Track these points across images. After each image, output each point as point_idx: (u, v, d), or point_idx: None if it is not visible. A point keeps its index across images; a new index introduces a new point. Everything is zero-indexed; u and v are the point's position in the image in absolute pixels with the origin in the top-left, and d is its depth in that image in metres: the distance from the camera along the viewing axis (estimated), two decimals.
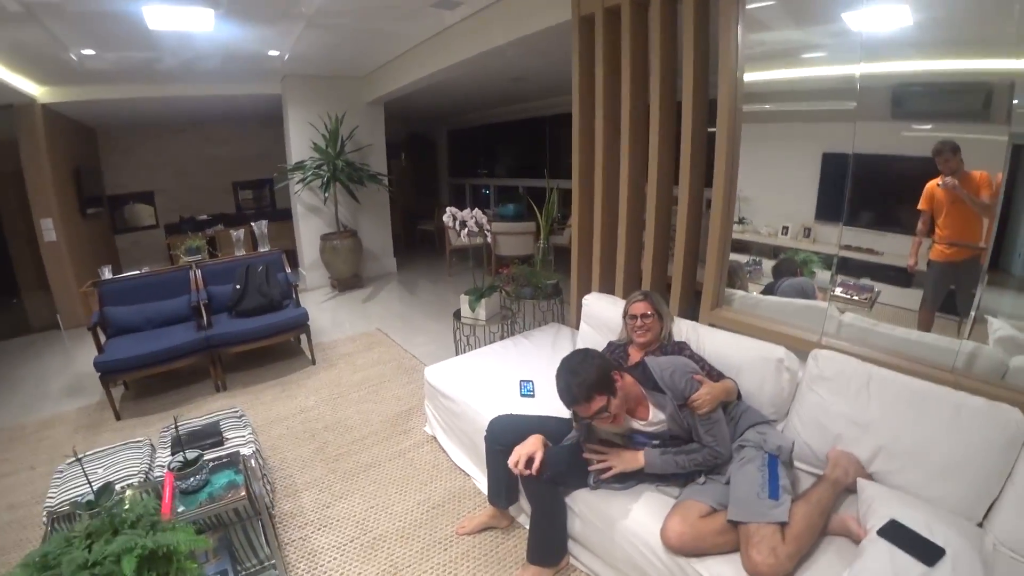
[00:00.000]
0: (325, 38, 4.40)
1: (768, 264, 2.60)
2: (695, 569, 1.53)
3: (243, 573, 1.87)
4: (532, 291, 3.91)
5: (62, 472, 2.33)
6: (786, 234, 2.52)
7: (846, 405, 1.88)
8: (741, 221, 2.64)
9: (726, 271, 2.60)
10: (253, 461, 2.27)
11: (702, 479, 1.78)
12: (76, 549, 1.34)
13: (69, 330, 5.32)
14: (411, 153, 10.25)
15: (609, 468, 1.82)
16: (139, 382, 3.82)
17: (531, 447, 1.89)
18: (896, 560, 1.34)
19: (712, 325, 2.51)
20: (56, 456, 2.97)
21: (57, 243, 5.23)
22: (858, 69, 2.01)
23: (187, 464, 1.91)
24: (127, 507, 1.51)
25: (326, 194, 5.65)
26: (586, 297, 3.02)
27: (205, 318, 3.66)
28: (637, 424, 1.86)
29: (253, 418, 3.25)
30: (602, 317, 2.81)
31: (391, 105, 6.55)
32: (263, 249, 4.54)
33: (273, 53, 4.75)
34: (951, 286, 1.99)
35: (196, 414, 3.12)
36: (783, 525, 1.50)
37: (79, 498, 1.88)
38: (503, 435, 2.06)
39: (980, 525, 1.58)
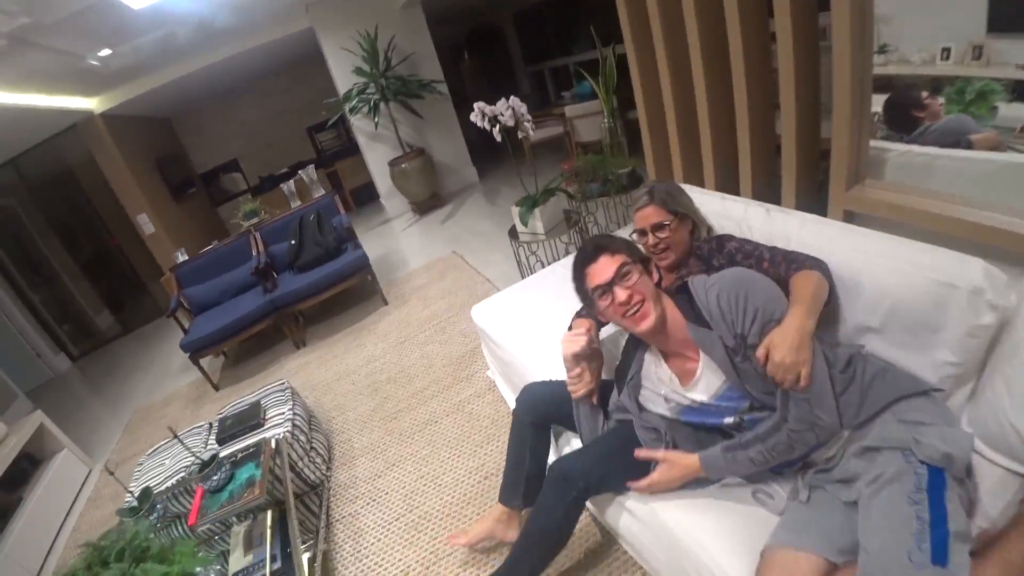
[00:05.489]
0: None
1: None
2: None
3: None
4: (600, 186, 3.27)
5: (141, 464, 2.42)
6: (947, 58, 1.60)
7: None
8: (883, 50, 1.74)
9: (867, 123, 1.72)
10: (295, 436, 2.13)
11: (805, 494, 1.08)
12: None
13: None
14: (476, 50, 9.34)
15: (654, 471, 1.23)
16: (235, 348, 3.97)
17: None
18: None
19: (849, 214, 1.69)
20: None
21: (157, 233, 5.58)
22: None
23: (205, 465, 1.79)
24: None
25: (376, 119, 5.24)
26: None
27: (270, 280, 3.59)
28: (677, 394, 1.22)
29: (323, 375, 3.19)
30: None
31: (439, 7, 5.74)
32: (317, 195, 4.35)
33: None
34: None
35: (276, 377, 3.12)
36: None
37: (129, 501, 1.88)
38: (536, 405, 1.57)
39: None
